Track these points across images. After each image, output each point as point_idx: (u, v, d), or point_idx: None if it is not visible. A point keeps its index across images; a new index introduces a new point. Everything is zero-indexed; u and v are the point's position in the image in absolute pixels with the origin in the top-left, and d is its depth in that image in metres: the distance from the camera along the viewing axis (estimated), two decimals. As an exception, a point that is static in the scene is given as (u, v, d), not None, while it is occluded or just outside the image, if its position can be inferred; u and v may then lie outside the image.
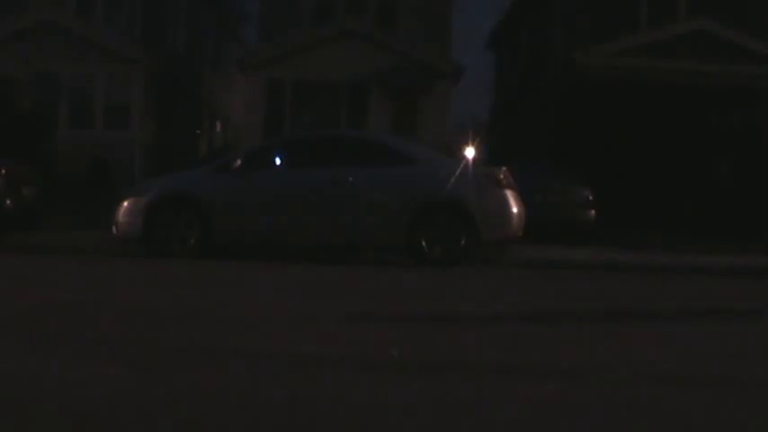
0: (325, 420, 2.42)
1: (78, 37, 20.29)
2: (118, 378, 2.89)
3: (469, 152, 16.30)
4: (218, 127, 29.04)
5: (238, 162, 9.72)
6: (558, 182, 14.55)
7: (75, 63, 20.38)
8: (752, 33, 18.34)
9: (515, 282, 8.17)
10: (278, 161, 9.91)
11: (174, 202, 9.60)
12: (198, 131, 25.97)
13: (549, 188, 14.05)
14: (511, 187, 9.64)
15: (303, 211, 9.54)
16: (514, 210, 9.53)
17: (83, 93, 20.70)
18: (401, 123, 19.73)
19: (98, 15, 21.52)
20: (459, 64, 20.84)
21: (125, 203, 9.67)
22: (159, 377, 2.94)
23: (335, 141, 10.53)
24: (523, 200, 9.80)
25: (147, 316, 4.52)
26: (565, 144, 18.83)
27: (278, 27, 20.82)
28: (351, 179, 9.53)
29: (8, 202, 10.78)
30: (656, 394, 2.91)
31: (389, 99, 20.29)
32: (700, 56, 18.31)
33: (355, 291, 6.63)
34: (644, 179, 17.63)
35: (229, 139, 28.63)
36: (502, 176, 9.61)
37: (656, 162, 17.80)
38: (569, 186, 14.55)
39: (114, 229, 9.72)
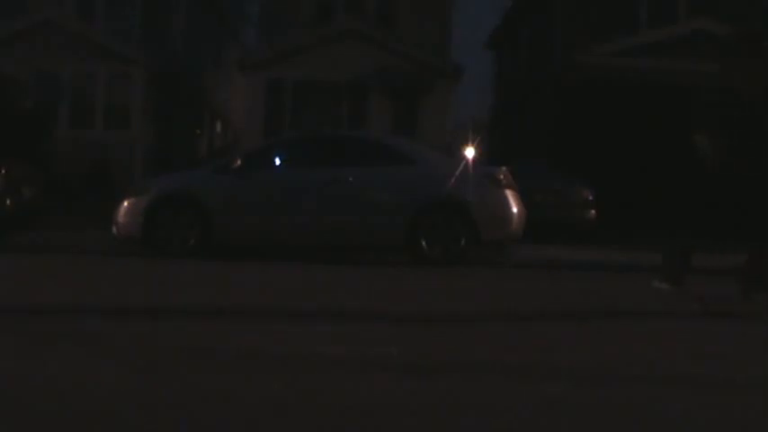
0: (325, 420, 2.42)
1: (78, 37, 20.31)
2: (118, 378, 2.89)
3: (469, 152, 16.30)
4: (218, 127, 29.04)
5: (238, 162, 9.73)
6: (558, 182, 14.56)
7: (75, 63, 20.40)
8: (752, 33, 18.31)
9: (515, 282, 8.16)
10: (278, 161, 9.92)
11: (174, 202, 9.61)
12: (198, 131, 25.97)
13: (549, 188, 14.06)
14: (511, 187, 9.64)
15: (303, 211, 9.55)
16: (514, 210, 9.53)
17: (83, 93, 20.72)
18: (401, 123, 19.74)
19: (98, 15, 21.53)
20: (459, 64, 20.86)
21: (125, 203, 9.69)
22: (159, 377, 2.94)
23: (335, 141, 10.54)
24: (523, 200, 9.81)
25: (147, 316, 4.52)
26: (565, 144, 18.83)
27: (278, 27, 20.83)
28: (351, 179, 9.53)
29: (8, 202, 10.78)
30: (656, 394, 2.91)
31: (389, 99, 20.30)
32: (700, 56, 18.30)
33: (355, 291, 6.62)
34: (644, 179, 17.62)
35: (229, 139, 28.63)
36: (502, 176, 9.62)
37: (656, 162, 17.78)
38: (569, 186, 14.55)
39: (114, 229, 9.73)
